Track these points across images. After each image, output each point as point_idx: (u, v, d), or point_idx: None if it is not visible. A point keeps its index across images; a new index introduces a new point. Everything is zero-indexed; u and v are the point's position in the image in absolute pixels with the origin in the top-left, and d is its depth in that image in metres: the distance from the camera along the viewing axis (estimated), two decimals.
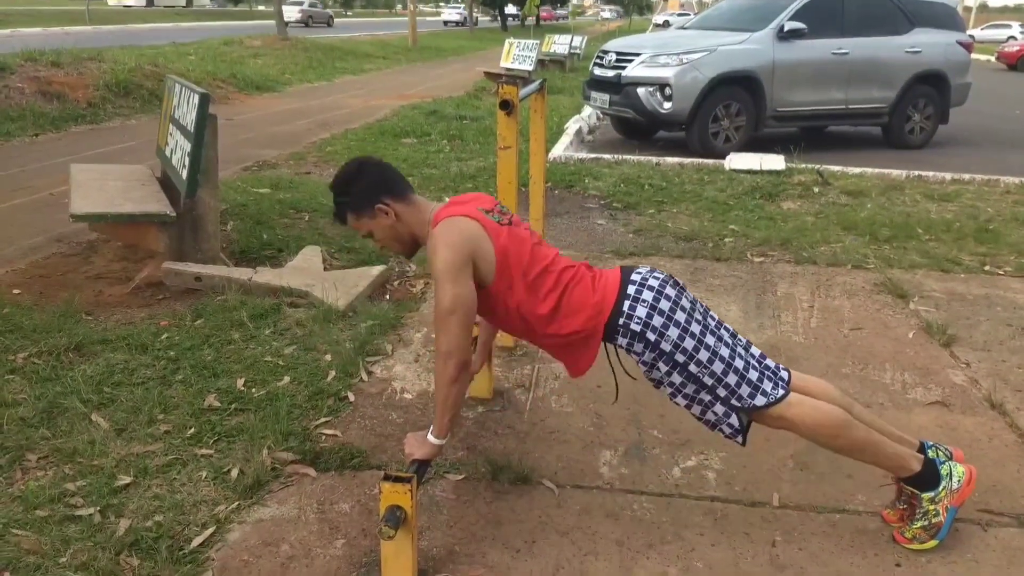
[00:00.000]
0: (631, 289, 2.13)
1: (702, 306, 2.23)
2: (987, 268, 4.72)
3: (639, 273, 2.18)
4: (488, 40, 34.02)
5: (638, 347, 2.12)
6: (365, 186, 2.21)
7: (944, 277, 4.55)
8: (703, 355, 2.09)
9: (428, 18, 66.98)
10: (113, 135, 8.90)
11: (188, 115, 4.00)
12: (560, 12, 71.36)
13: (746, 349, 2.22)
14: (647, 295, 2.11)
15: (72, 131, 9.03)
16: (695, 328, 2.11)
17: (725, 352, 2.12)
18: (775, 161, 7.34)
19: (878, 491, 2.43)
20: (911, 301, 4.14)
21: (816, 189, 6.62)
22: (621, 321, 2.11)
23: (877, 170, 7.32)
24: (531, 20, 48.42)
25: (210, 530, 2.23)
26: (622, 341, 2.14)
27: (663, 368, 2.12)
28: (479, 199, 2.26)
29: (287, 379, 3.11)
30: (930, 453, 2.27)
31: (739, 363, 2.13)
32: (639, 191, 6.47)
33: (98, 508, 2.30)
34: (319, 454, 2.62)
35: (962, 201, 6.35)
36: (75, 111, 9.57)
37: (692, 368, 2.10)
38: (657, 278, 2.16)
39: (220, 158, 4.26)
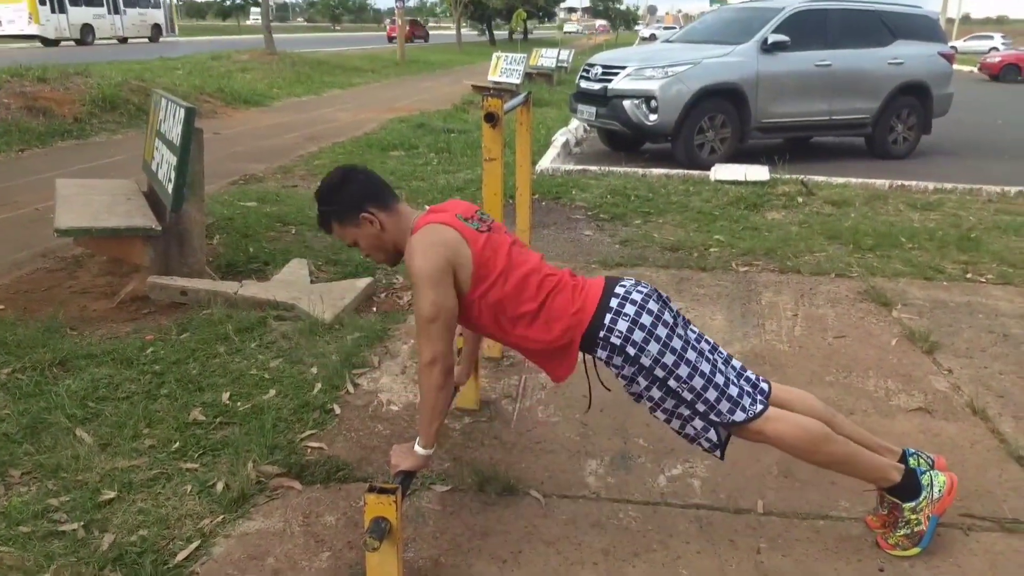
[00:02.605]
0: (614, 302, 2.13)
1: (684, 319, 2.23)
2: (969, 276, 4.77)
3: (623, 286, 2.18)
4: (476, 54, 34.17)
5: (618, 360, 2.12)
6: (350, 195, 2.20)
7: (927, 285, 4.60)
8: (683, 370, 2.09)
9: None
10: (99, 150, 8.89)
11: (174, 129, 4.00)
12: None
13: (727, 363, 2.23)
14: (629, 309, 2.11)
15: (58, 146, 9.01)
16: (676, 343, 2.11)
17: (706, 367, 2.12)
18: (760, 172, 7.41)
19: (861, 497, 2.45)
20: (894, 309, 4.18)
21: (800, 199, 6.67)
22: (601, 334, 2.11)
23: (861, 180, 7.39)
24: (519, 34, 48.69)
25: (195, 544, 2.22)
26: (602, 354, 2.14)
27: (643, 382, 2.12)
28: (459, 206, 2.25)
29: (272, 392, 3.11)
30: (912, 461, 2.29)
31: (719, 378, 2.13)
32: (625, 202, 6.51)
33: (82, 523, 2.28)
34: (304, 467, 2.61)
35: (944, 210, 6.42)
36: (61, 126, 9.55)
37: (672, 383, 2.10)
38: (640, 292, 2.16)
39: (207, 172, 4.27)
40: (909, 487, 2.20)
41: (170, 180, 3.98)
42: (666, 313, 2.14)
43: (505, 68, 16.10)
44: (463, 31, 45.50)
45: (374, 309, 4.13)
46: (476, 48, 40.56)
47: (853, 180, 7.37)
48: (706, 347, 2.20)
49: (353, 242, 2.26)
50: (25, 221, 5.74)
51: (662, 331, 2.10)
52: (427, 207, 2.29)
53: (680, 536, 2.31)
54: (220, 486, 2.47)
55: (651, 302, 2.14)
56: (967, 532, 2.33)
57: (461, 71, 24.62)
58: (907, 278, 4.71)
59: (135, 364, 3.31)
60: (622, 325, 2.09)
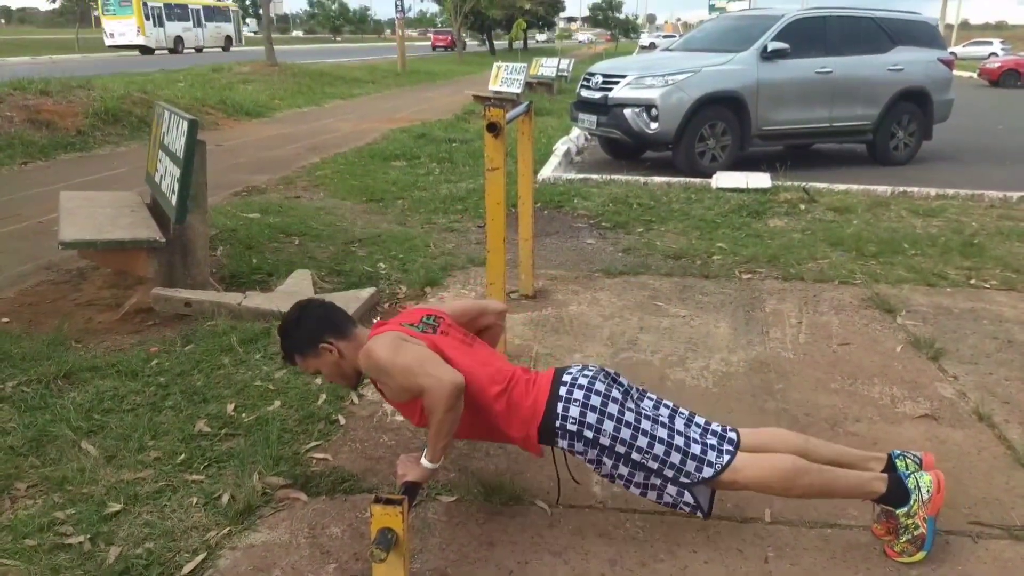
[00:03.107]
0: (562, 391, 2.20)
1: (638, 390, 2.31)
2: (973, 282, 4.76)
3: (569, 373, 2.26)
4: (476, 64, 34.29)
5: (579, 446, 2.18)
6: (308, 329, 2.32)
7: (930, 291, 4.59)
8: (642, 441, 2.15)
9: (417, 43, 67.54)
10: (102, 162, 8.91)
11: (177, 141, 4.01)
12: (540, 37, 72.11)
13: (688, 423, 2.27)
14: (577, 394, 2.18)
15: (61, 159, 9.03)
16: (629, 416, 2.17)
17: (663, 433, 2.18)
18: (761, 179, 7.41)
19: (868, 505, 2.44)
20: (898, 316, 4.17)
21: (802, 206, 6.67)
22: (557, 424, 2.17)
23: (862, 186, 7.40)
24: (519, 43, 48.85)
25: (201, 556, 2.22)
26: (563, 443, 2.20)
27: (608, 463, 2.18)
28: (403, 317, 2.39)
29: (277, 403, 3.11)
30: (899, 463, 2.32)
31: (679, 440, 2.18)
32: (627, 210, 6.51)
33: (88, 536, 2.28)
34: (310, 478, 2.61)
35: (947, 216, 6.42)
36: (64, 139, 9.58)
37: (635, 456, 2.15)
38: (586, 376, 2.23)
39: (209, 184, 4.28)
40: (897, 494, 2.21)
41: (173, 192, 3.99)
42: (614, 390, 2.22)
43: (506, 78, 16.15)
44: (468, 42, 45.77)
45: (377, 319, 4.13)
46: (476, 58, 40.70)
47: (855, 187, 7.38)
48: (664, 412, 2.27)
49: (315, 371, 2.37)
50: (29, 234, 5.76)
51: (613, 408, 2.17)
52: (374, 321, 2.40)
53: (687, 545, 2.30)
54: (226, 498, 2.47)
55: (597, 383, 2.21)
56: (976, 540, 2.32)
57: (462, 81, 24.70)
58: (911, 284, 4.70)
59: (140, 376, 3.32)
60: (574, 411, 2.16)
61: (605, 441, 2.14)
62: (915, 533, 2.19)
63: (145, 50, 34.10)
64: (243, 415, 3.01)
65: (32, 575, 2.11)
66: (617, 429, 2.14)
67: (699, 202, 6.83)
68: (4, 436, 2.81)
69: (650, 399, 2.31)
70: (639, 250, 5.43)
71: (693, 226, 6.04)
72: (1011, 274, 4.88)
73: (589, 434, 2.15)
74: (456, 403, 2.08)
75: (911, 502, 2.19)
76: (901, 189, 7.32)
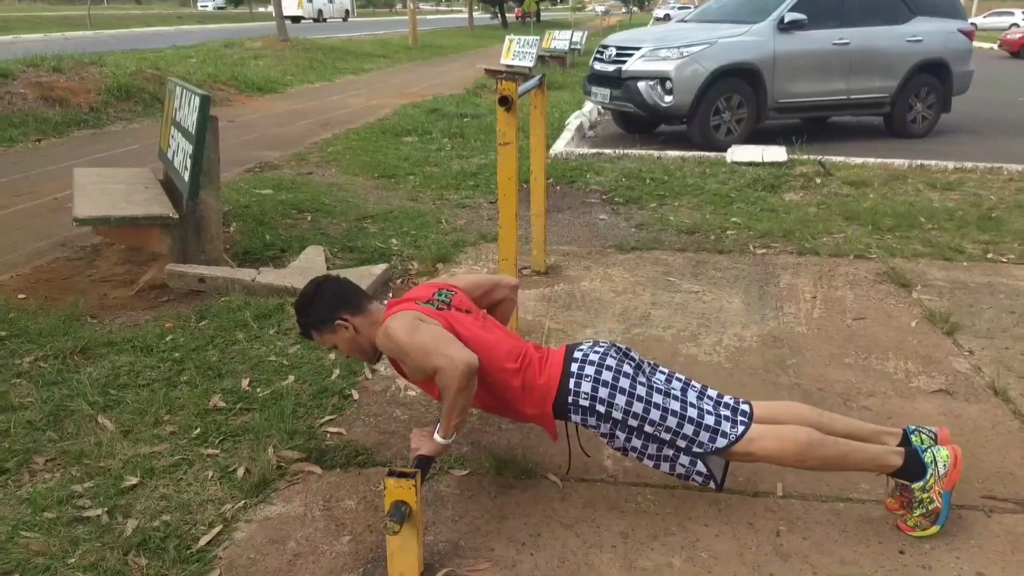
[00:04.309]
0: (573, 367, 2.22)
1: (649, 364, 2.32)
2: (990, 256, 4.71)
3: (580, 350, 2.27)
4: (488, 37, 34.01)
5: (592, 421, 2.20)
6: (324, 305, 2.33)
7: (947, 266, 4.55)
8: (654, 414, 2.16)
9: (428, 16, 67.04)
10: (115, 139, 8.94)
11: (189, 117, 4.01)
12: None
13: (701, 396, 2.28)
14: (589, 370, 2.20)
15: (75, 136, 9.06)
16: (641, 390, 2.18)
17: (675, 405, 2.19)
18: (777, 153, 7.34)
19: (881, 479, 2.43)
20: (914, 290, 4.14)
21: (818, 180, 6.61)
22: (570, 399, 2.20)
23: (879, 160, 7.31)
24: (531, 17, 48.32)
25: (217, 529, 2.25)
26: (576, 418, 2.23)
27: (621, 436, 2.19)
28: (416, 293, 2.40)
29: (292, 378, 3.13)
30: (914, 439, 2.31)
31: (692, 412, 2.19)
32: (641, 185, 6.47)
33: (106, 509, 2.32)
34: (324, 452, 2.63)
35: (965, 189, 6.34)
36: (77, 116, 9.60)
37: (648, 428, 2.17)
38: (597, 351, 2.24)
39: (222, 160, 4.29)
40: (913, 468, 2.21)
41: (186, 168, 3.99)
42: (625, 364, 2.23)
43: (518, 51, 16.01)
44: (475, 14, 45.49)
45: (390, 295, 4.14)
46: (488, 31, 40.34)
47: (871, 160, 7.29)
48: (676, 385, 2.27)
49: (332, 346, 2.39)
50: (44, 211, 5.80)
51: (624, 382, 2.18)
52: (386, 301, 2.42)
53: (699, 519, 2.31)
54: (241, 471, 2.50)
55: (608, 358, 2.22)
56: (989, 514, 2.32)
57: (473, 55, 24.50)
58: (927, 259, 4.66)
59: (155, 351, 3.35)
60: (586, 387, 2.18)
61: (617, 415, 2.16)
62: (930, 507, 2.18)
63: (295, 19, 42.70)
64: (258, 390, 3.04)
65: (51, 547, 2.15)
66: (629, 403, 2.15)
67: (713, 176, 6.77)
68: (22, 411, 2.85)
69: (662, 372, 2.32)
70: (652, 225, 5.40)
71: (707, 201, 6.00)
72: None
73: (602, 408, 2.16)
74: (469, 383, 2.08)
75: (927, 476, 2.19)
76: (918, 162, 7.23)
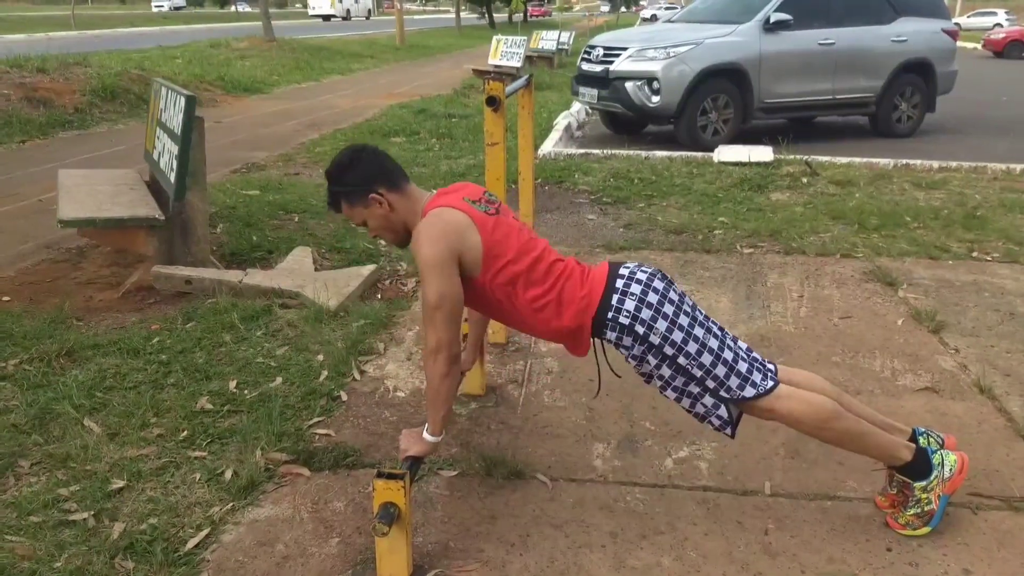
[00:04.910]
0: (619, 283, 2.13)
1: (691, 300, 2.23)
2: (975, 254, 4.75)
3: (627, 268, 2.18)
4: (476, 38, 33.98)
5: (627, 341, 2.12)
6: (360, 175, 2.18)
7: (932, 264, 4.58)
8: (692, 347, 2.09)
9: (415, 16, 66.94)
10: (101, 140, 8.87)
11: (175, 118, 3.99)
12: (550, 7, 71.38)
13: (735, 341, 2.23)
14: (635, 288, 2.11)
15: (59, 137, 8.99)
16: (683, 320, 2.11)
17: (714, 344, 2.12)
18: (763, 153, 7.37)
19: (869, 477, 2.45)
20: (900, 289, 4.17)
21: (804, 180, 6.64)
22: (609, 315, 2.11)
23: (865, 159, 7.35)
24: (518, 16, 48.33)
25: (205, 531, 2.23)
26: (611, 336, 2.14)
27: (652, 361, 2.12)
28: (466, 188, 2.25)
29: (279, 380, 3.12)
30: (922, 440, 2.29)
31: (728, 355, 2.13)
32: (629, 185, 6.48)
33: (92, 512, 2.30)
34: (312, 454, 2.62)
35: (950, 188, 6.39)
36: (62, 117, 9.52)
37: (681, 360, 2.10)
38: (645, 272, 2.17)
39: (208, 161, 4.26)
40: (920, 466, 2.20)
41: (172, 169, 3.97)
42: (671, 292, 2.15)
43: (505, 51, 16.00)
44: (462, 14, 45.44)
45: (379, 296, 4.13)
46: (476, 31, 40.31)
47: (857, 160, 7.33)
48: (714, 326, 2.20)
49: (362, 222, 2.25)
50: (28, 212, 5.74)
51: (668, 309, 2.10)
52: (435, 190, 2.28)
53: (687, 518, 2.31)
54: (229, 474, 2.48)
55: (656, 281, 2.14)
56: (975, 511, 2.33)
57: (461, 55, 24.49)
58: (912, 258, 4.69)
59: (141, 354, 3.32)
60: (629, 304, 2.09)
61: (655, 340, 2.08)
62: (926, 508, 2.19)
63: (326, 18, 50.86)
64: (245, 392, 3.02)
65: (37, 551, 2.13)
66: (669, 330, 2.08)
67: (701, 176, 6.79)
68: (7, 414, 2.82)
69: (701, 312, 2.22)
70: (640, 225, 5.41)
71: (695, 200, 6.02)
72: (1013, 247, 4.86)
73: (640, 329, 2.08)
74: (452, 369, 2.07)
75: (931, 477, 2.18)
76: (904, 162, 7.28)
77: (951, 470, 2.19)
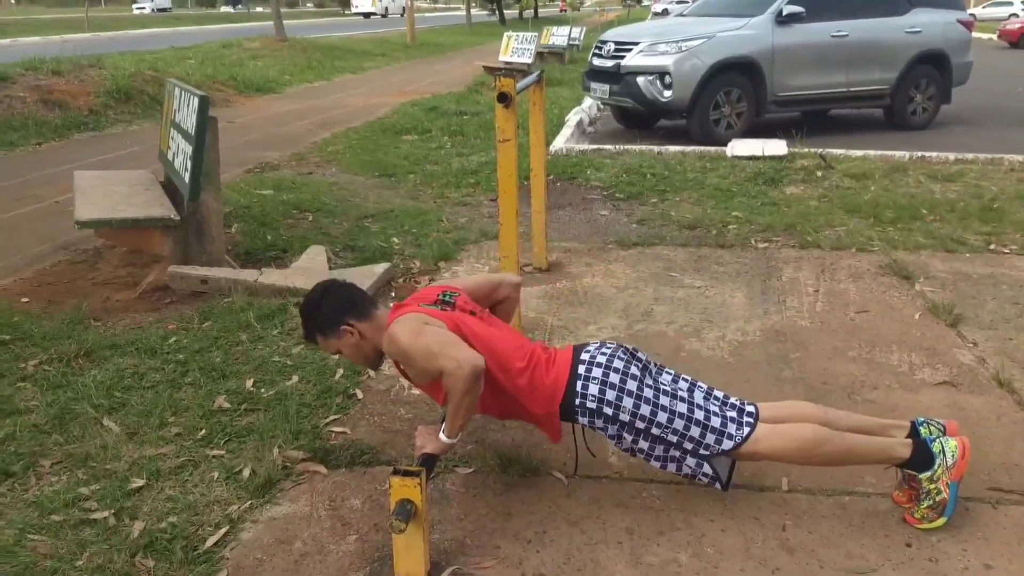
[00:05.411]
0: (581, 369, 2.22)
1: (656, 366, 2.32)
2: (992, 247, 4.71)
3: (588, 351, 2.27)
4: (486, 35, 33.95)
5: (599, 423, 2.21)
6: (330, 309, 2.34)
7: (949, 257, 4.55)
8: (662, 416, 2.17)
9: (426, 14, 67.04)
10: (115, 141, 8.94)
11: (189, 118, 4.01)
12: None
13: (707, 397, 2.28)
14: (596, 372, 2.20)
15: (75, 139, 9.06)
16: (648, 393, 2.18)
17: (682, 408, 2.19)
18: (777, 146, 7.32)
19: (886, 472, 2.43)
20: (916, 282, 4.14)
21: (819, 173, 6.60)
22: (577, 402, 2.20)
23: (880, 152, 7.29)
24: (529, 13, 48.24)
25: (223, 530, 2.25)
26: (583, 420, 2.23)
27: (628, 437, 2.20)
28: (420, 296, 2.40)
29: (296, 378, 3.13)
30: (923, 431, 2.31)
31: (699, 414, 2.19)
32: (641, 181, 6.46)
33: (112, 511, 2.32)
34: (329, 451, 2.64)
35: (966, 181, 6.33)
36: (77, 119, 9.60)
37: (655, 431, 2.18)
38: (604, 353, 2.25)
39: (222, 160, 4.29)
40: (921, 458, 2.20)
41: (186, 169, 3.99)
42: (632, 367, 2.23)
43: (516, 48, 15.97)
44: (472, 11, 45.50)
45: (392, 294, 4.14)
46: (486, 28, 40.28)
47: (872, 152, 7.28)
48: (683, 386, 2.28)
49: (336, 351, 2.39)
50: (45, 214, 5.80)
51: (632, 385, 2.18)
52: (391, 304, 2.42)
53: (704, 515, 2.31)
54: (247, 472, 2.50)
55: (615, 360, 2.22)
56: (995, 506, 2.31)
57: (472, 52, 24.47)
58: (929, 251, 4.66)
59: (159, 353, 3.35)
60: (593, 389, 2.19)
61: (625, 417, 2.16)
62: (937, 498, 2.18)
63: (367, 15, 54.75)
64: (262, 390, 3.04)
65: (58, 550, 2.15)
66: (637, 405, 2.16)
67: (714, 171, 6.76)
68: (28, 414, 2.86)
69: (668, 373, 2.32)
70: (653, 221, 5.40)
71: (708, 195, 5.99)
72: None
73: (609, 411, 2.17)
74: (475, 385, 2.08)
75: (935, 466, 2.18)
76: (919, 154, 7.22)
77: (953, 456, 2.19)
